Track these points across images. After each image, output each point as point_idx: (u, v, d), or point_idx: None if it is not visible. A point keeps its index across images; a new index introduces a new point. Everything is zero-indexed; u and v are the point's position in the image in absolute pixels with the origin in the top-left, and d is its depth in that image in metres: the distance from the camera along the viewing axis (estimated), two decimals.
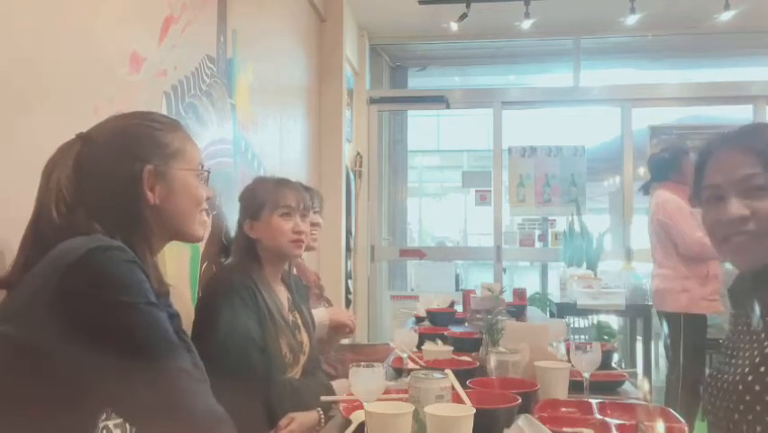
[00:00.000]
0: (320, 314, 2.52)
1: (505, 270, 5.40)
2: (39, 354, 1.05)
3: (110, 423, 1.17)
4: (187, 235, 1.36)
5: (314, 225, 2.56)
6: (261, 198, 2.16)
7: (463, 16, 4.60)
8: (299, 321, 2.19)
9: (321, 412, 1.93)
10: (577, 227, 5.00)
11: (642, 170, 5.19)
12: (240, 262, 2.14)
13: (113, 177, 1.25)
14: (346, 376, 1.60)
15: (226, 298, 1.98)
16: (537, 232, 5.28)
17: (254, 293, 2.03)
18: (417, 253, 5.50)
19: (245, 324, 1.96)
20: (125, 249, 1.14)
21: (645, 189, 4.04)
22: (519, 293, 3.75)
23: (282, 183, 2.23)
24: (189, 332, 2.12)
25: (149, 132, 1.31)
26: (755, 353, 1.26)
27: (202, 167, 1.38)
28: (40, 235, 1.20)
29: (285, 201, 2.15)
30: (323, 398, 1.90)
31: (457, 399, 1.47)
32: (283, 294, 2.19)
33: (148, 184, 1.27)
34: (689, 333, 3.71)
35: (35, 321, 1.06)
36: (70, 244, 1.12)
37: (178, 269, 2.24)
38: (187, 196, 1.32)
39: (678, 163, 3.86)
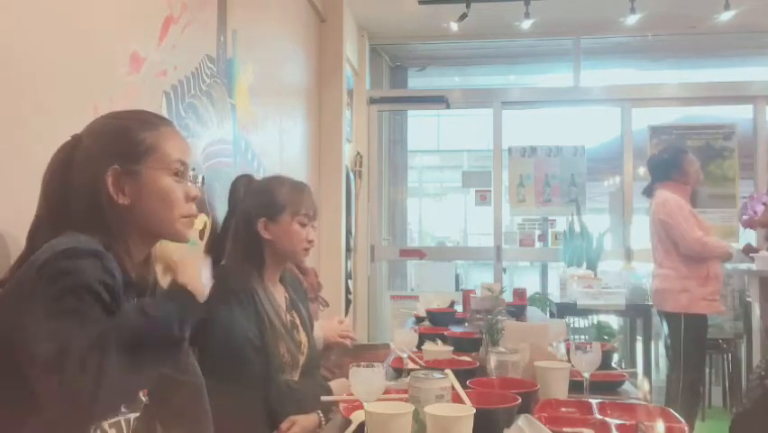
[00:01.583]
0: (315, 331, 2.49)
1: (505, 270, 5.40)
2: (6, 347, 1.06)
3: (105, 423, 1.17)
4: (169, 235, 1.33)
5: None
6: (282, 200, 2.12)
7: (463, 16, 4.60)
8: (297, 321, 2.19)
9: (321, 415, 1.92)
10: (577, 227, 5.00)
11: (642, 170, 5.19)
12: (240, 263, 2.11)
13: (83, 178, 1.24)
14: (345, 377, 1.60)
15: (224, 301, 1.96)
16: (537, 232, 5.28)
17: (252, 296, 2.01)
18: (417, 253, 5.50)
19: (243, 327, 1.95)
20: (97, 253, 1.12)
21: (648, 192, 4.03)
22: (519, 293, 3.74)
23: (300, 188, 2.20)
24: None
25: (121, 130, 1.28)
26: None
27: (183, 165, 1.33)
28: (34, 237, 1.22)
29: (306, 209, 2.14)
30: (323, 398, 1.89)
31: (457, 399, 1.47)
32: (281, 294, 2.18)
33: (115, 184, 1.24)
34: (689, 333, 3.71)
35: (6, 317, 1.09)
36: (48, 245, 1.14)
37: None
38: (157, 195, 1.28)
39: (678, 163, 3.86)
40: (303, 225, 2.13)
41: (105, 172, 1.23)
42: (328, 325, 2.60)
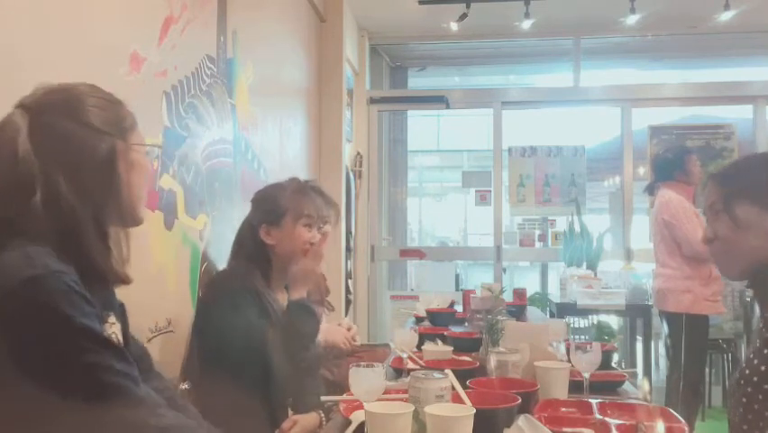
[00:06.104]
0: None
1: (505, 270, 5.40)
2: None
3: None
4: (136, 219, 1.23)
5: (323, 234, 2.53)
6: (284, 205, 2.12)
7: (463, 16, 4.61)
8: None
9: (322, 414, 1.92)
10: (577, 227, 5.00)
11: (642, 170, 5.20)
12: (245, 267, 2.09)
13: (87, 151, 1.12)
14: (344, 379, 1.59)
15: (227, 305, 1.94)
16: (537, 232, 5.28)
17: (252, 300, 1.99)
18: (417, 253, 5.50)
19: (245, 332, 1.92)
20: (61, 273, 1.03)
21: (650, 190, 4.03)
22: (519, 293, 3.74)
23: (303, 192, 2.19)
24: (187, 335, 2.12)
25: (106, 104, 1.18)
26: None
27: None
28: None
29: (308, 211, 2.13)
30: (323, 398, 1.90)
31: (457, 399, 1.47)
32: (284, 298, 2.17)
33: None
34: (690, 333, 3.70)
35: None
36: (8, 263, 1.02)
37: (178, 270, 2.24)
38: (142, 173, 1.22)
39: (682, 163, 3.86)
40: (308, 228, 2.12)
41: (115, 147, 1.15)
42: (335, 330, 2.59)
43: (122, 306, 1.31)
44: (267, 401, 1.92)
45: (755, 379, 1.27)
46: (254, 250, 2.11)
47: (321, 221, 2.19)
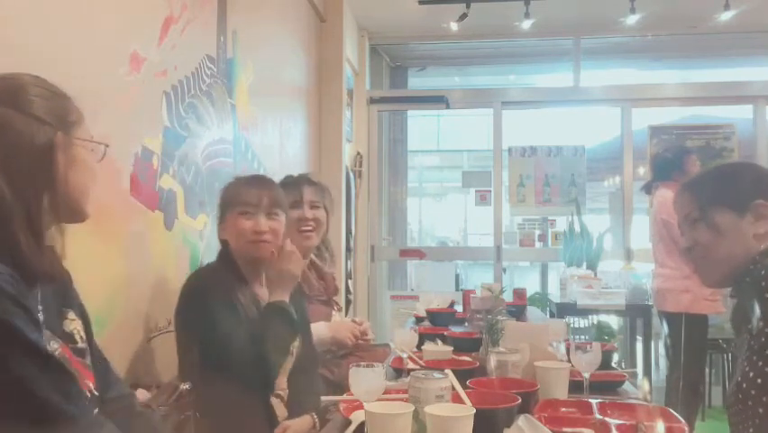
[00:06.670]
0: (320, 329, 2.39)
1: (505, 270, 5.40)
2: None
3: None
4: (80, 215, 1.16)
5: (313, 219, 2.49)
6: (226, 197, 2.02)
7: (463, 16, 4.61)
8: None
9: (315, 417, 1.89)
10: (577, 227, 5.00)
11: (642, 170, 5.20)
12: (215, 266, 2.02)
13: (24, 139, 1.06)
14: (344, 379, 1.58)
15: (192, 304, 1.89)
16: (537, 232, 5.29)
17: (228, 298, 1.89)
18: (417, 253, 5.50)
19: (211, 329, 1.83)
20: None
21: (648, 189, 4.04)
22: (519, 293, 3.73)
23: (248, 181, 2.05)
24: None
25: (50, 95, 1.13)
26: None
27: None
28: None
29: (244, 199, 1.96)
30: (323, 398, 1.89)
31: (457, 399, 1.47)
32: (264, 293, 2.04)
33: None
34: (690, 333, 3.70)
35: None
36: None
37: (178, 270, 2.24)
38: (84, 169, 1.15)
39: (681, 163, 3.87)
40: (247, 216, 1.95)
41: (53, 140, 1.10)
42: (342, 325, 2.56)
43: (81, 305, 1.23)
44: (247, 397, 1.85)
45: (753, 392, 1.26)
46: (221, 248, 2.03)
47: (269, 209, 1.98)
